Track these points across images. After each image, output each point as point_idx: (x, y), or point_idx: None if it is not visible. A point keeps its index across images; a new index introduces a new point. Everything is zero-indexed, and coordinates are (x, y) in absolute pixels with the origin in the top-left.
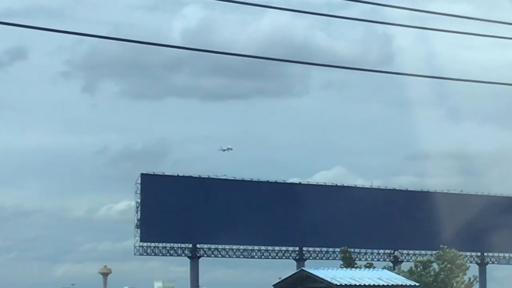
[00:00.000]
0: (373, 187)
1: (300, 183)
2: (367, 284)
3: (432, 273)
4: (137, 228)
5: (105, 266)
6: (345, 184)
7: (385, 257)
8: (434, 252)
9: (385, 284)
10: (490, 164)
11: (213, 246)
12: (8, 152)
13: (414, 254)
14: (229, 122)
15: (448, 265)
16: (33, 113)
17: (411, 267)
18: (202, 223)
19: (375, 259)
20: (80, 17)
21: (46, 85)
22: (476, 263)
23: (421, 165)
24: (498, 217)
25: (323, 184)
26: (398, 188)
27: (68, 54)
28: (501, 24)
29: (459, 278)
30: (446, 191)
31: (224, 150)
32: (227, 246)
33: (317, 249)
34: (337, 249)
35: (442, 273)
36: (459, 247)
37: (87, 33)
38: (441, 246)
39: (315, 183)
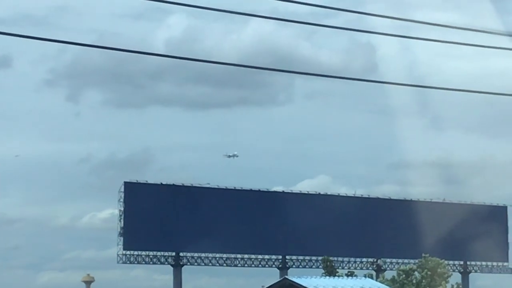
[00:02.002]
0: (356, 195)
1: (283, 191)
2: None
3: (414, 281)
4: (120, 236)
5: (88, 275)
6: (328, 193)
7: (368, 265)
8: (416, 260)
9: None
10: (472, 173)
11: (196, 255)
12: None
13: (397, 263)
14: (212, 130)
15: (429, 273)
16: (17, 121)
17: (393, 276)
18: (185, 232)
19: (358, 268)
20: (65, 26)
21: (29, 93)
22: (459, 271)
23: (404, 174)
24: (481, 226)
25: (306, 192)
26: (381, 197)
27: (52, 63)
28: (484, 33)
29: (441, 287)
30: (429, 200)
31: (229, 157)
32: (210, 255)
33: (300, 257)
34: (320, 258)
35: (423, 281)
36: (442, 256)
37: (71, 41)
38: (423, 254)
39: (298, 192)
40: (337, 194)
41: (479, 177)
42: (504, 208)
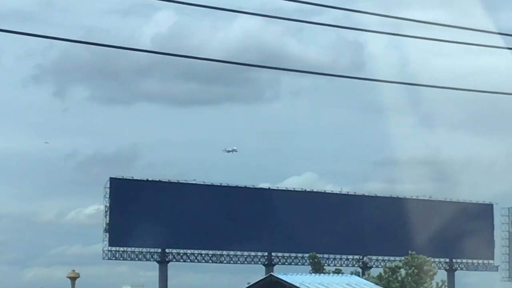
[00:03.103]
0: (342, 192)
1: (269, 188)
2: None
3: (399, 278)
4: (106, 232)
5: (74, 270)
6: (314, 190)
7: (354, 262)
8: (403, 257)
9: None
10: (459, 171)
11: (182, 251)
12: None
13: (383, 260)
14: (199, 127)
15: (416, 271)
16: (3, 116)
17: (380, 273)
18: (171, 228)
19: (344, 265)
20: (52, 22)
21: (16, 88)
22: (445, 269)
23: (391, 171)
24: (467, 224)
25: (293, 189)
26: (367, 194)
27: (39, 58)
28: (473, 31)
29: (426, 284)
30: (416, 197)
31: (228, 151)
32: (196, 251)
33: (286, 254)
34: (306, 255)
35: (409, 278)
36: (428, 253)
37: (58, 37)
38: (410, 252)
39: (284, 189)
40: (323, 191)
41: (466, 175)
42: (490, 206)
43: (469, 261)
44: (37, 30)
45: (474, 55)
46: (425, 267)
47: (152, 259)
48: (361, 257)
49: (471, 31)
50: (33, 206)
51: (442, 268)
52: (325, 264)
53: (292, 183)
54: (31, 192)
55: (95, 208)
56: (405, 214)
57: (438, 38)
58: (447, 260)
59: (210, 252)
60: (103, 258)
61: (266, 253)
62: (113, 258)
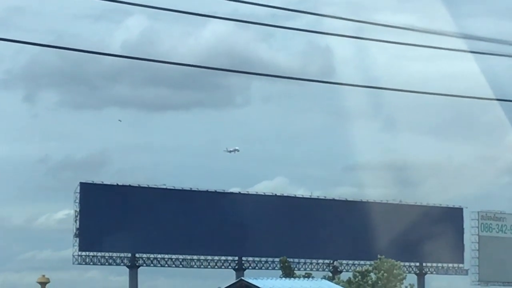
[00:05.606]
0: (312, 197)
1: (239, 192)
2: None
3: (369, 282)
4: (76, 237)
5: (43, 276)
6: (284, 194)
7: (325, 267)
8: (372, 262)
9: None
10: (429, 175)
11: (152, 256)
12: None
13: (354, 264)
14: (169, 132)
15: (385, 274)
16: None
17: (350, 277)
18: (141, 232)
19: (314, 269)
20: (22, 26)
21: None
22: (415, 273)
23: (360, 175)
24: (437, 228)
25: (263, 194)
26: (337, 198)
27: (9, 63)
28: (440, 36)
29: None
30: (386, 202)
31: (230, 151)
32: (166, 256)
33: (257, 258)
34: (277, 259)
35: (379, 282)
36: (398, 257)
37: (27, 41)
38: (379, 256)
39: (254, 193)
40: (293, 195)
41: (435, 179)
42: (460, 210)
43: (439, 265)
44: (7, 35)
45: (444, 59)
46: (394, 271)
47: (122, 264)
48: (331, 262)
49: (440, 36)
50: (2, 211)
51: (412, 272)
52: (296, 268)
53: (263, 187)
54: (1, 197)
55: (65, 213)
56: (375, 218)
57: (408, 43)
58: (417, 264)
59: (181, 256)
60: (73, 263)
61: (236, 258)
62: (83, 263)
